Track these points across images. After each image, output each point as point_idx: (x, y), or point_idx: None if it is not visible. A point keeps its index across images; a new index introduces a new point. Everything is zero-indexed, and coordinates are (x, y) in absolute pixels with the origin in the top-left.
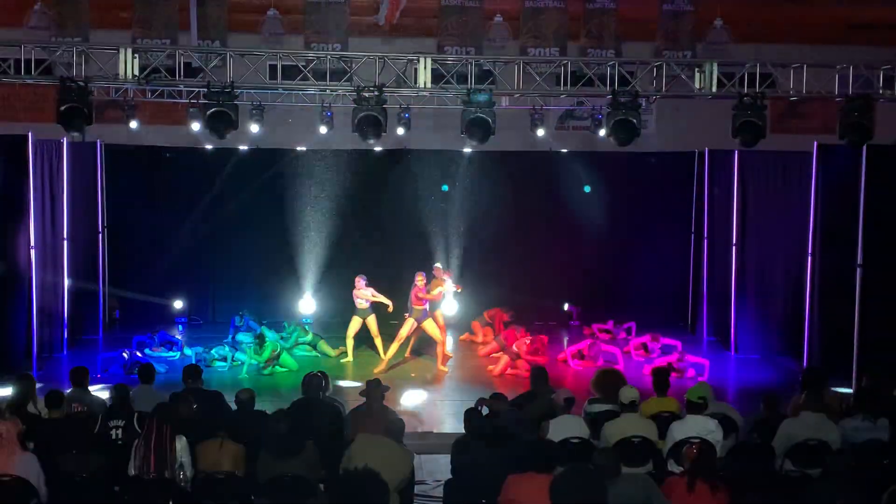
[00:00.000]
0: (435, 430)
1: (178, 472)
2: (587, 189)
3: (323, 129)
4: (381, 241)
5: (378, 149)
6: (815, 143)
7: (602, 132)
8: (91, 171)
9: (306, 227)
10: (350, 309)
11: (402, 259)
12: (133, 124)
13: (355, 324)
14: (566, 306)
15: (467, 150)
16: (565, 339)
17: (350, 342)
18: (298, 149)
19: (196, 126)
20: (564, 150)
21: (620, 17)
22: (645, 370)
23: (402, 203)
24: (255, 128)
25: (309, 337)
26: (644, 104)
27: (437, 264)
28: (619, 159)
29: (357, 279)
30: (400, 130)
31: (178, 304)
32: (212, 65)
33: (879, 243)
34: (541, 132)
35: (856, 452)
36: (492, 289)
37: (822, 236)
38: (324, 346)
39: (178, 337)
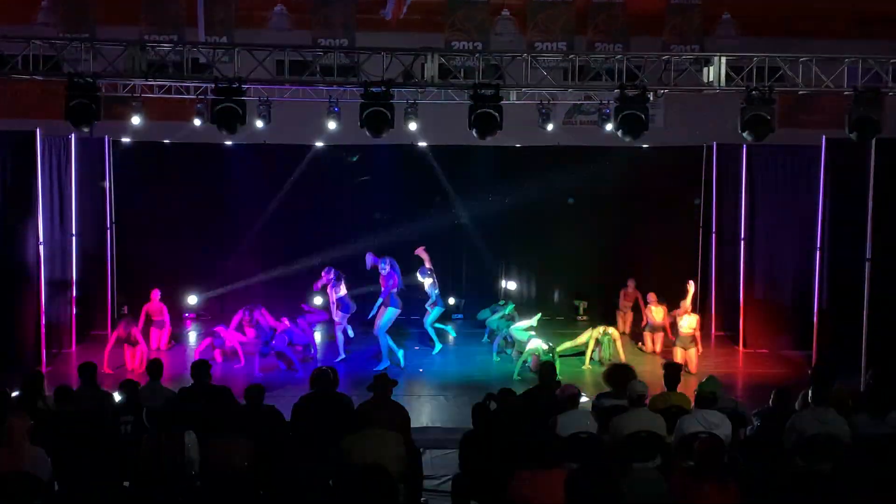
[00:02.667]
0: (443, 426)
1: (188, 467)
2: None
3: (331, 125)
4: (387, 236)
5: (385, 144)
6: (824, 137)
7: (608, 126)
8: (99, 167)
9: (314, 222)
10: None
11: (409, 253)
12: (140, 120)
13: None
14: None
15: (475, 144)
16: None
17: None
18: (306, 144)
19: (196, 122)
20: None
21: (628, 12)
22: None
23: (409, 197)
24: (261, 123)
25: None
26: (652, 98)
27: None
28: (626, 154)
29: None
30: (407, 126)
31: (193, 300)
32: (219, 60)
33: (889, 237)
34: (548, 127)
35: (865, 447)
36: (498, 283)
37: (830, 230)
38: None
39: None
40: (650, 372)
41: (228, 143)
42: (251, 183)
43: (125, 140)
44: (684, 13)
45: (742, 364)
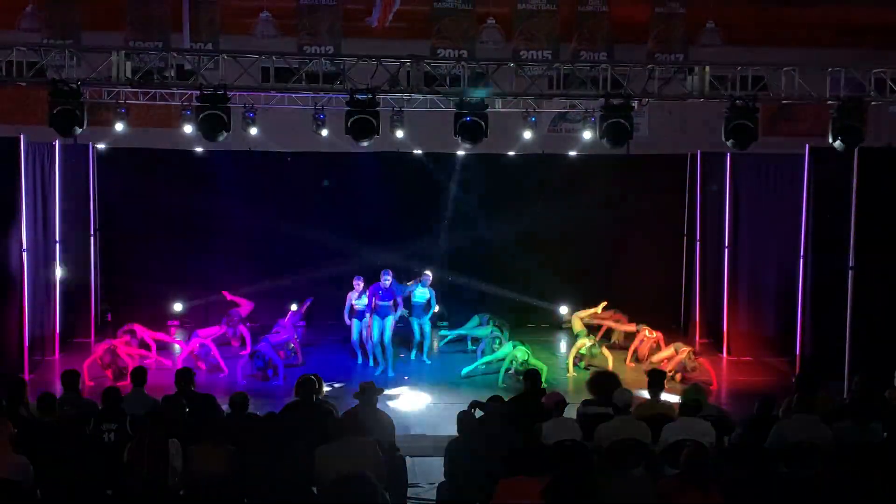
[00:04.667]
0: (428, 433)
1: (171, 475)
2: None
3: (323, 132)
4: (376, 243)
5: (371, 151)
6: (807, 145)
7: (587, 134)
8: (83, 174)
9: (299, 229)
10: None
11: (394, 262)
12: (124, 127)
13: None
14: (563, 309)
15: (460, 152)
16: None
17: None
18: (291, 151)
19: (188, 128)
20: (557, 153)
21: (612, 20)
22: None
23: (395, 205)
24: (249, 130)
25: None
26: (636, 107)
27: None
28: (611, 162)
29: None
30: (394, 133)
31: (178, 307)
32: (204, 67)
33: (871, 246)
34: (533, 135)
35: (848, 455)
36: (483, 291)
37: (814, 239)
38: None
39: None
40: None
41: (213, 149)
42: (236, 190)
43: (110, 146)
44: (669, 22)
45: (726, 371)
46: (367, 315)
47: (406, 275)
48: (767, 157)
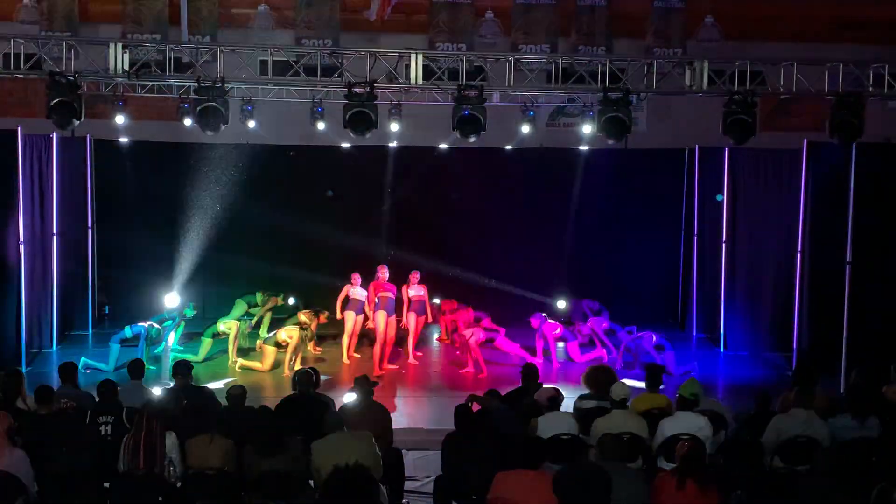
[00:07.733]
0: (425, 427)
1: (168, 468)
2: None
3: (319, 125)
4: (373, 237)
5: (369, 145)
6: (805, 140)
7: (588, 128)
8: (80, 166)
9: (297, 223)
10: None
11: (392, 257)
12: (122, 119)
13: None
14: (561, 303)
15: (458, 145)
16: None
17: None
18: (288, 144)
19: (186, 121)
20: (555, 147)
21: (611, 15)
22: None
23: (396, 200)
24: (247, 123)
25: None
26: (635, 101)
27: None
28: (609, 156)
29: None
30: (391, 126)
31: (170, 301)
32: (202, 60)
33: (869, 241)
34: (531, 129)
35: (844, 450)
36: (480, 284)
37: (811, 233)
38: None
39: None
40: None
41: (211, 142)
42: (233, 183)
43: (107, 139)
44: (668, 16)
45: (722, 366)
46: (366, 308)
47: (401, 276)
48: (765, 151)
